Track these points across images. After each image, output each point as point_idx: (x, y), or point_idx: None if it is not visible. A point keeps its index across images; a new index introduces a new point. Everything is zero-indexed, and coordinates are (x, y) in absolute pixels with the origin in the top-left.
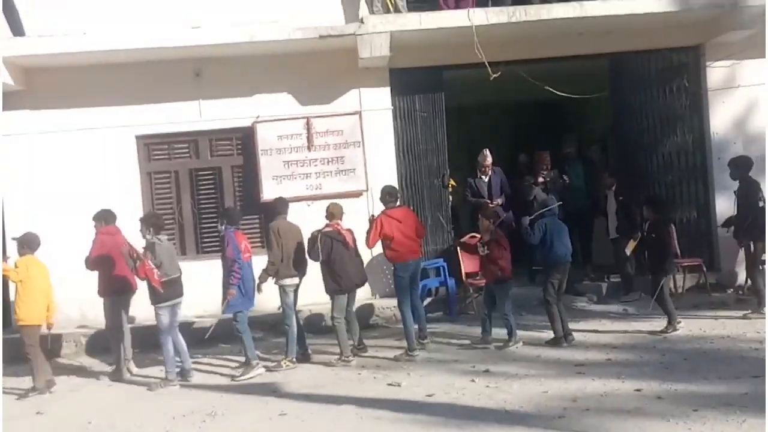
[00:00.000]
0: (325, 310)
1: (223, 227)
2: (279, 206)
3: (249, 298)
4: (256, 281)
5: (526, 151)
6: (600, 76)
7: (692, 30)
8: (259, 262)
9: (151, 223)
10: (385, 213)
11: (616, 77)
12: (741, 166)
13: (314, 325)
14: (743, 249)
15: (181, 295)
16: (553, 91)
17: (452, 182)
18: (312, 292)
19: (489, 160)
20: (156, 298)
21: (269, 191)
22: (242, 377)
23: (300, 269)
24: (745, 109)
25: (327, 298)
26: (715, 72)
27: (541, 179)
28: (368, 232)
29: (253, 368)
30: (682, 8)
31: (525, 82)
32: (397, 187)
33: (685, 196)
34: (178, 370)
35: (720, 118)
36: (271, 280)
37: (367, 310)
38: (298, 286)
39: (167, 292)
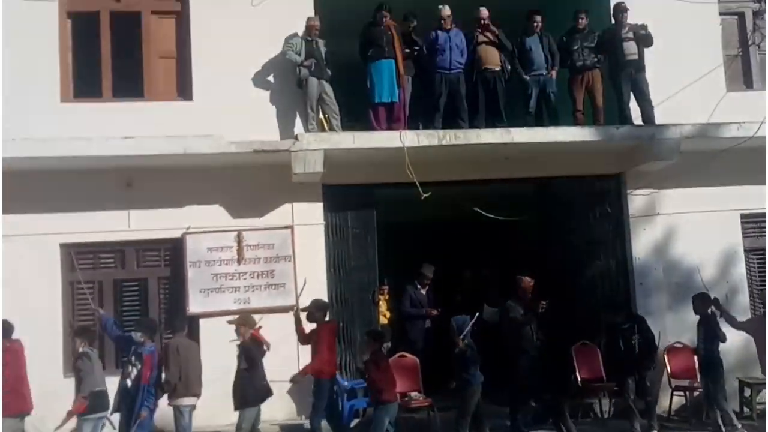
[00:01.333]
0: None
1: (141, 339)
2: (177, 322)
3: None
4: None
5: (446, 268)
6: (528, 198)
7: (613, 159)
8: None
9: (85, 335)
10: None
11: (542, 201)
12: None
13: None
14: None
15: (106, 409)
16: (482, 212)
17: (383, 298)
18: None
19: (431, 273)
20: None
21: (196, 304)
22: None
23: (198, 389)
24: (665, 236)
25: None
26: (636, 200)
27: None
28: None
29: None
30: (603, 138)
31: (455, 202)
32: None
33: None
34: None
35: (641, 245)
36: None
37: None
38: (194, 407)
39: (93, 404)
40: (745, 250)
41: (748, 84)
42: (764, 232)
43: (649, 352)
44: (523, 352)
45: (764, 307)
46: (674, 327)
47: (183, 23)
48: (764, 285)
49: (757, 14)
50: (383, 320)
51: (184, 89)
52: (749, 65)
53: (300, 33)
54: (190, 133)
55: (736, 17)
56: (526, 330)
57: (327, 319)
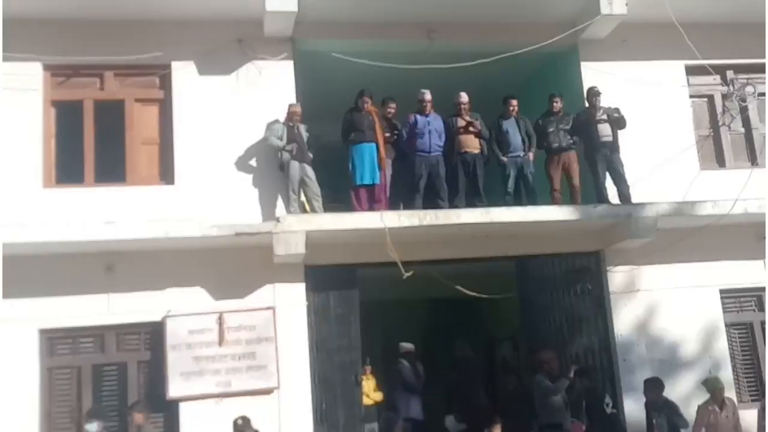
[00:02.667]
0: None
1: (97, 428)
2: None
3: None
4: None
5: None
6: (509, 275)
7: (592, 237)
8: None
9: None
10: None
11: (523, 278)
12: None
13: None
14: None
15: None
16: (464, 290)
17: (365, 378)
18: None
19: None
20: None
21: (176, 388)
22: None
23: None
24: (646, 312)
25: None
26: (616, 276)
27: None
28: None
29: None
30: (581, 217)
31: (437, 280)
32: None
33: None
34: None
35: (623, 321)
36: None
37: None
38: None
39: None
40: (726, 326)
41: (721, 163)
42: (744, 307)
43: None
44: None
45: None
46: None
47: (166, 110)
48: (747, 360)
49: (726, 97)
50: (367, 401)
51: (166, 174)
52: (720, 145)
53: (281, 119)
54: (171, 217)
55: (705, 99)
56: (558, 401)
57: None
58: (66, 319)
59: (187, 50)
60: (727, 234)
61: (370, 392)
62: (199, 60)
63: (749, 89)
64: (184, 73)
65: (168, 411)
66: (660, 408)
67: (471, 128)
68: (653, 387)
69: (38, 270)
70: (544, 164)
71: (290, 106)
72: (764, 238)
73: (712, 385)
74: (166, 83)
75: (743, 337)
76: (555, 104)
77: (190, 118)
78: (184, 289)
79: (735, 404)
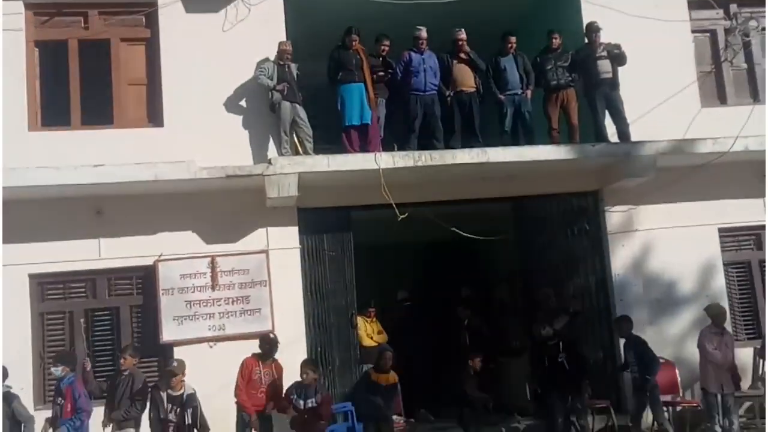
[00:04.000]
0: None
1: (62, 374)
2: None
3: None
4: None
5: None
6: (505, 217)
7: (590, 176)
8: None
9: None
10: None
11: (520, 219)
12: (624, 326)
13: None
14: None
15: None
16: (459, 232)
17: (370, 321)
18: None
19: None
20: None
21: (170, 332)
22: None
23: None
24: (644, 252)
25: None
26: (614, 216)
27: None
28: None
29: None
30: (579, 156)
31: (433, 223)
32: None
33: (590, 337)
34: None
35: (620, 261)
36: None
37: None
38: None
39: None
40: (724, 264)
41: (722, 100)
42: (742, 246)
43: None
44: None
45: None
46: (655, 342)
47: (153, 50)
48: (744, 299)
49: (729, 31)
50: (370, 342)
51: (154, 116)
52: (722, 81)
53: (272, 57)
54: (161, 160)
55: (708, 34)
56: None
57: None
58: (56, 264)
59: None
60: (726, 172)
61: (374, 334)
62: None
63: (753, 23)
64: (170, 11)
65: (162, 355)
66: (630, 344)
67: (464, 57)
68: (621, 324)
69: (27, 215)
70: (542, 102)
71: (281, 44)
72: (764, 176)
73: (714, 310)
74: (152, 22)
75: (741, 276)
76: (554, 41)
77: (177, 57)
78: (176, 233)
79: (732, 336)
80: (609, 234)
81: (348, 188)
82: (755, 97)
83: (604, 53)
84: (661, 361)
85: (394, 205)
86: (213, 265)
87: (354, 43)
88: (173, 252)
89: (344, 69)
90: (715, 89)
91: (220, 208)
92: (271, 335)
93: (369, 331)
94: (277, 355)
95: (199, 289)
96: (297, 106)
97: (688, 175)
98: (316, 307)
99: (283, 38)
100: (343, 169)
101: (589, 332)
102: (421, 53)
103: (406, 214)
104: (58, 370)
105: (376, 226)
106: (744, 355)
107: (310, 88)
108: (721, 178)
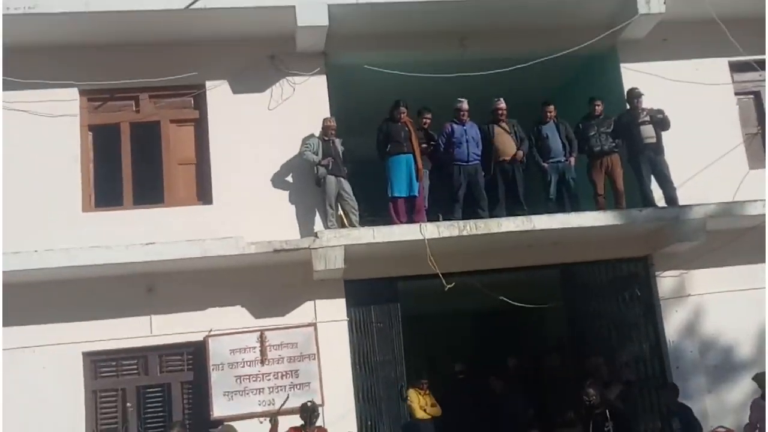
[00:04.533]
0: None
1: None
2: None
3: None
4: None
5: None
6: (553, 284)
7: (639, 242)
8: None
9: None
10: None
11: (568, 286)
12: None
13: None
14: None
15: None
16: (508, 300)
17: (422, 393)
18: None
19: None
20: None
21: (220, 408)
22: None
23: None
24: (698, 317)
25: None
26: (666, 281)
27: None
28: None
29: None
30: (626, 221)
31: (480, 292)
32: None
33: (647, 406)
34: None
35: (674, 327)
36: None
37: None
38: None
39: None
40: None
41: None
42: None
43: None
44: None
45: None
46: (715, 410)
47: (201, 130)
48: None
49: None
50: (423, 415)
51: (203, 194)
52: None
53: (316, 133)
54: (210, 237)
55: (752, 96)
56: None
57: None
58: (109, 341)
59: (221, 69)
60: None
61: (427, 407)
62: (233, 78)
63: None
64: (218, 92)
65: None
66: (675, 412)
67: (506, 127)
68: (666, 392)
69: (81, 294)
70: (586, 169)
71: (325, 120)
72: None
73: (760, 378)
74: (200, 103)
75: None
76: (596, 108)
77: (225, 136)
78: (225, 308)
79: None
80: (661, 300)
81: (394, 259)
82: None
83: (647, 118)
84: (721, 430)
85: (440, 275)
86: (262, 340)
87: (402, 115)
88: (223, 327)
89: (392, 141)
90: (763, 150)
91: (269, 282)
92: (309, 403)
93: (422, 404)
94: (327, 427)
95: (248, 363)
96: (342, 179)
97: (740, 237)
98: (365, 380)
99: (327, 114)
100: (389, 240)
101: (645, 401)
102: (463, 124)
103: (453, 284)
104: None
105: (424, 296)
106: None
107: (355, 162)
108: None
